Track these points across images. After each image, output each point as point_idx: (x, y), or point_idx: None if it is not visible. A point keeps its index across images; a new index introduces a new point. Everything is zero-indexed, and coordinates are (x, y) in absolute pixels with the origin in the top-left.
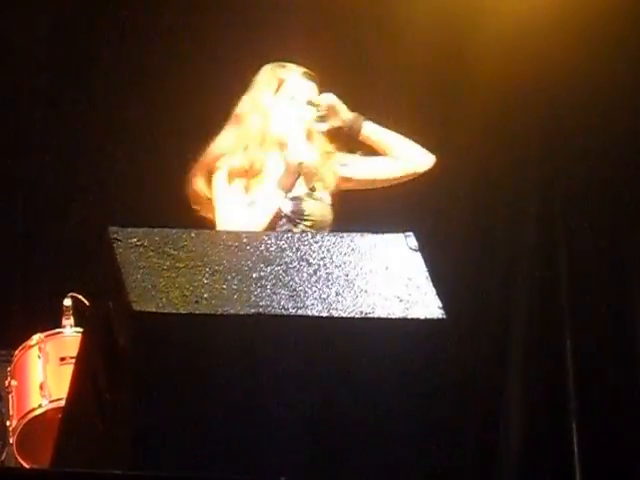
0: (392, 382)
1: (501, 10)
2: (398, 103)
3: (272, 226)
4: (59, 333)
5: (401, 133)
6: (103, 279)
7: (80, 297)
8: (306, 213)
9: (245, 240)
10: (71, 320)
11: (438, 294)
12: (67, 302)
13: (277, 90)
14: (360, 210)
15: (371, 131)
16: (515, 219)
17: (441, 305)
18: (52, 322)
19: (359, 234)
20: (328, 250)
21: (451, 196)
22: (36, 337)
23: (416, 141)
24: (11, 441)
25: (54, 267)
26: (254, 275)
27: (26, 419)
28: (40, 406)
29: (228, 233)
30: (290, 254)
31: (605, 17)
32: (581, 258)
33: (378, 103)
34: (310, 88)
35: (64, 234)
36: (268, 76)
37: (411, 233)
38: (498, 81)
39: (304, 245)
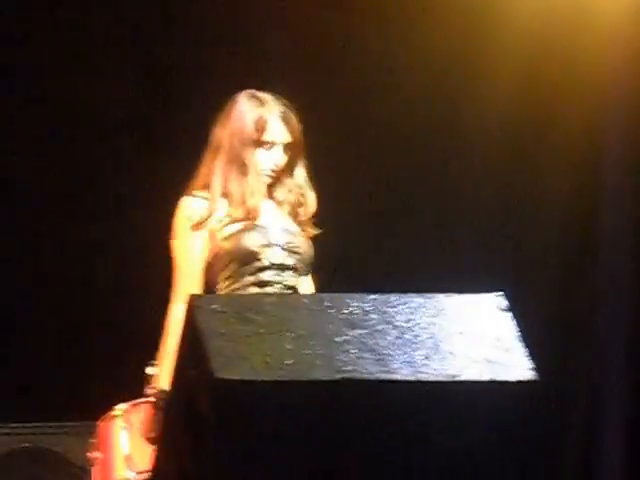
0: (481, 447)
1: None
2: None
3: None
4: (144, 403)
5: None
6: (184, 347)
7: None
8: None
9: (328, 303)
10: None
11: (529, 356)
12: (150, 370)
13: (257, 131)
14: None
15: None
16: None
17: (532, 367)
18: (137, 391)
19: (446, 295)
20: (414, 312)
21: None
22: (120, 407)
23: None
24: None
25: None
26: (338, 339)
27: None
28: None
29: (310, 297)
30: (375, 317)
31: None
32: None
33: None
34: (285, 132)
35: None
36: (247, 111)
37: (501, 293)
38: None
39: (389, 307)
